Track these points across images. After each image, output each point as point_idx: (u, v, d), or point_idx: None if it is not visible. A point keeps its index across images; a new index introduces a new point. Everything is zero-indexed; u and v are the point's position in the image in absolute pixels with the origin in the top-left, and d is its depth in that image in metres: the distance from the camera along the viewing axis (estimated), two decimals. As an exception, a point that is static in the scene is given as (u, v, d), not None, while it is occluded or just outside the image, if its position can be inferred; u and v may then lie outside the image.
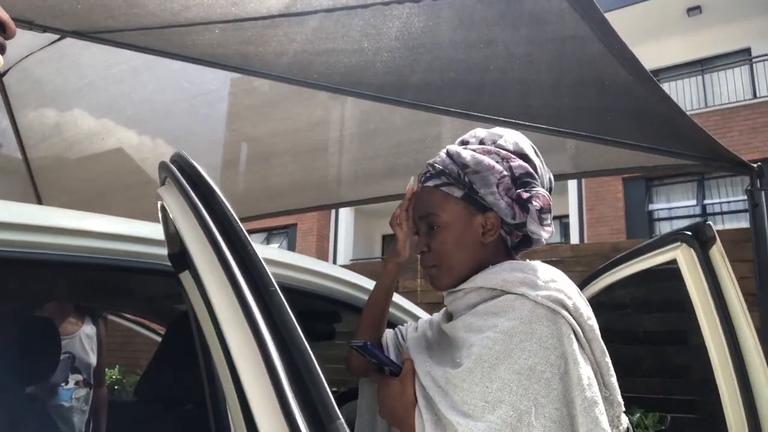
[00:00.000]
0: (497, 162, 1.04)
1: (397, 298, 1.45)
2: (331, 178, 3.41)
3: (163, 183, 0.84)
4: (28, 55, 2.33)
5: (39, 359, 1.57)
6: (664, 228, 10.35)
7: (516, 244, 1.10)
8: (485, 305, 0.97)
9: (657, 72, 11.01)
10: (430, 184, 1.09)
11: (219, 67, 2.20)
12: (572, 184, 10.87)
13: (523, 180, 1.04)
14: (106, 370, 4.90)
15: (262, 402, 0.55)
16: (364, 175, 3.30)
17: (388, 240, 14.72)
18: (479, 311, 0.98)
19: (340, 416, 0.56)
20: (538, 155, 1.11)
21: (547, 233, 1.04)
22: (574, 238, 10.86)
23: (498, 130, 1.12)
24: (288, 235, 14.40)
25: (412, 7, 1.43)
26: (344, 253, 13.82)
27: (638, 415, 3.28)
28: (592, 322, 0.95)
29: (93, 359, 2.48)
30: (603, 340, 0.96)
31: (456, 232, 1.05)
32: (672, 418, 3.14)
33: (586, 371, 0.88)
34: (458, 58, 1.80)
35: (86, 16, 1.87)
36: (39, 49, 2.26)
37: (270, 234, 14.83)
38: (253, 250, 0.59)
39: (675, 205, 10.52)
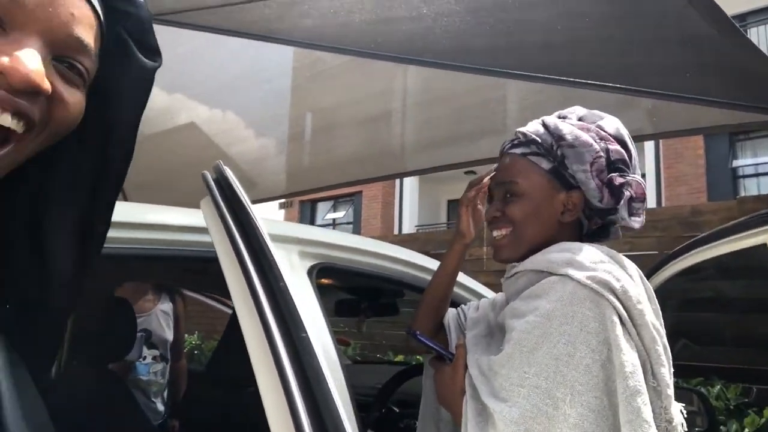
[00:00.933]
0: (595, 141, 0.99)
1: (460, 276, 1.44)
2: (394, 147, 3.39)
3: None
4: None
5: (118, 337, 1.66)
6: (749, 186, 9.68)
7: (593, 231, 1.05)
8: (530, 288, 0.94)
9: (744, 16, 10.13)
10: (516, 151, 1.05)
11: (279, 42, 2.20)
12: (649, 142, 10.31)
13: (617, 165, 0.99)
14: (186, 336, 5.20)
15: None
16: (427, 144, 3.26)
17: (453, 205, 14.60)
18: (524, 295, 0.95)
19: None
20: (634, 147, 1.05)
21: (637, 224, 0.99)
22: (651, 200, 10.35)
23: (599, 112, 1.07)
24: (353, 202, 14.57)
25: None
26: (409, 219, 13.85)
27: (719, 387, 3.13)
28: (643, 306, 0.88)
29: (169, 335, 2.60)
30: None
31: (534, 204, 1.01)
32: (758, 390, 2.97)
33: (629, 358, 0.82)
34: (523, 18, 1.71)
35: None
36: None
37: (336, 202, 15.07)
38: (284, 283, 0.57)
39: (763, 161, 9.78)
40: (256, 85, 2.88)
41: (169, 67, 2.61)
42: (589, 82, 1.93)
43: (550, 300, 0.87)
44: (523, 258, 1.02)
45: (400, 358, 5.00)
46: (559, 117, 1.07)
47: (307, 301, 1.04)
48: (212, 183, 0.66)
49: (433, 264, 1.43)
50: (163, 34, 2.18)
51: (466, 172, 4.57)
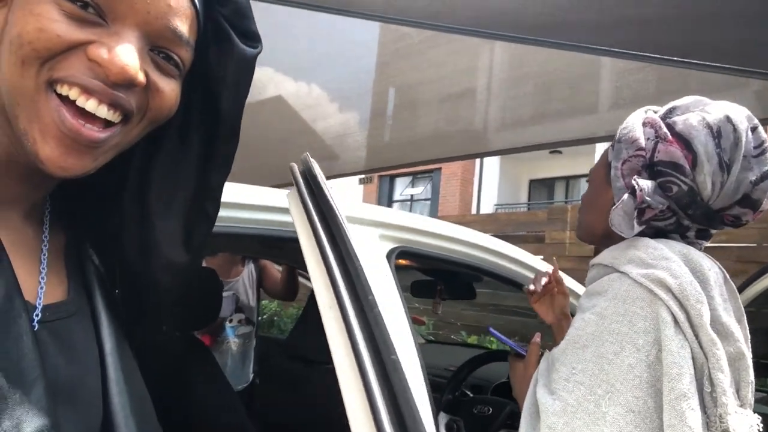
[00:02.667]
0: (646, 138, 0.91)
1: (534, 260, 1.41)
2: (477, 126, 3.32)
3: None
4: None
5: (204, 305, 1.75)
6: None
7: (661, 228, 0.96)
8: (594, 284, 0.92)
9: None
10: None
11: (365, 17, 2.18)
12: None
13: (659, 168, 0.89)
14: (266, 302, 5.41)
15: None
16: (511, 123, 3.16)
17: (535, 185, 14.20)
18: (588, 290, 0.93)
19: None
20: (716, 146, 0.88)
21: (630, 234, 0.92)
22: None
23: (704, 101, 0.93)
24: (432, 179, 14.51)
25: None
26: (489, 198, 13.63)
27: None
28: (702, 306, 0.82)
29: (254, 301, 2.71)
30: None
31: (593, 194, 1.02)
32: None
33: (678, 360, 0.78)
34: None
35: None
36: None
37: (414, 177, 15.06)
38: (372, 297, 0.56)
39: None
40: (342, 60, 2.89)
41: (265, 39, 2.68)
42: (688, 60, 1.79)
43: (607, 298, 0.86)
44: (597, 244, 1.03)
45: (473, 339, 4.98)
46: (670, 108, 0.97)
47: (385, 283, 1.04)
48: (299, 176, 0.67)
49: (513, 251, 1.40)
50: (256, 6, 2.22)
51: (551, 152, 4.41)
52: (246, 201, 1.03)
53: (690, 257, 0.88)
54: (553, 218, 4.56)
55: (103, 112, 0.47)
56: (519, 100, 3.00)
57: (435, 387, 1.95)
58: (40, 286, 0.51)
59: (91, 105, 0.46)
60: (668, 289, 0.82)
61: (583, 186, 1.10)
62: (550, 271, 1.18)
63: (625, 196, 0.90)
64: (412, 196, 15.46)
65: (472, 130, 3.38)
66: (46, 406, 0.44)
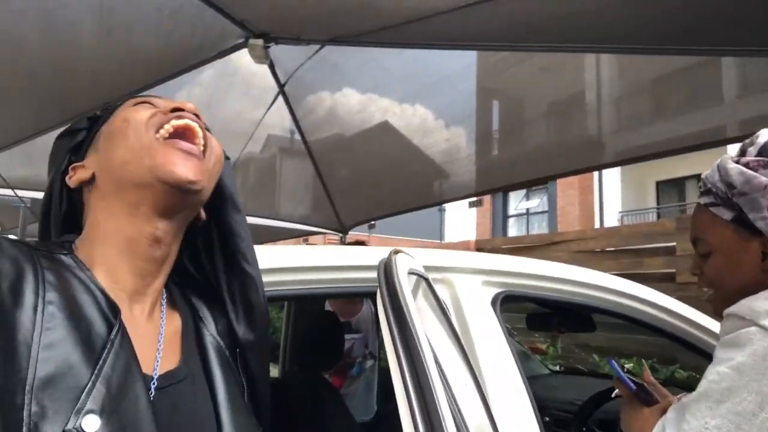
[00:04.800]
0: None
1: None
2: (591, 138, 3.18)
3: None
4: (298, 67, 2.66)
5: (328, 345, 1.84)
6: None
7: None
8: (729, 336, 0.86)
9: None
10: (702, 201, 0.97)
11: (462, 48, 2.20)
12: None
13: None
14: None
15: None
16: (626, 131, 2.99)
17: (663, 187, 13.19)
18: (724, 341, 0.87)
19: None
20: None
21: None
22: None
23: None
24: (547, 190, 14.01)
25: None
26: (612, 205, 12.88)
27: None
28: None
29: (374, 335, 2.77)
30: None
31: (728, 259, 0.93)
32: None
33: None
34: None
35: (338, 25, 2.05)
36: (306, 60, 2.57)
37: (529, 191, 14.64)
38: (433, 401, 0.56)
39: None
40: (444, 87, 2.93)
41: (360, 84, 2.79)
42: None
43: (745, 353, 0.81)
44: (734, 302, 0.92)
45: (605, 365, 4.67)
46: (741, 151, 0.92)
47: (490, 330, 1.03)
48: (382, 278, 0.70)
49: (627, 286, 1.32)
50: (352, 54, 2.33)
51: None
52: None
53: None
54: (683, 227, 4.15)
55: (186, 121, 0.70)
56: (632, 107, 2.85)
57: (561, 423, 1.87)
58: (156, 360, 0.65)
59: (181, 122, 0.71)
60: None
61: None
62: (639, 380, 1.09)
63: None
64: (527, 210, 15.03)
65: (585, 142, 3.23)
66: None
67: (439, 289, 0.99)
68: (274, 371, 2.43)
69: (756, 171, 0.86)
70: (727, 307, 0.91)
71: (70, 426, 0.50)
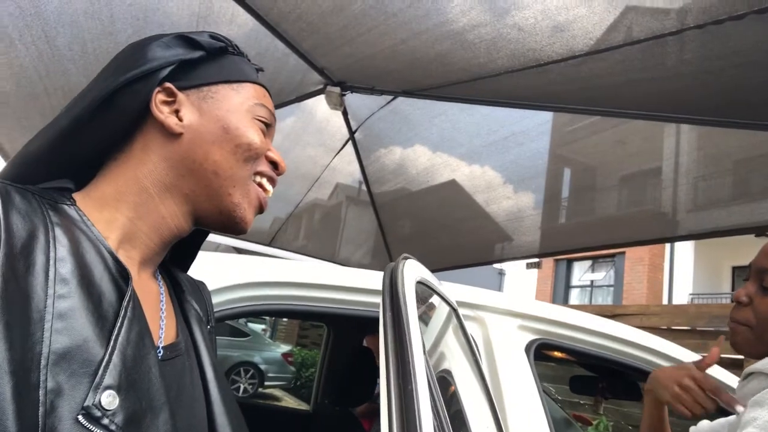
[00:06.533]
0: None
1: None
2: (664, 209, 3.09)
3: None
4: (370, 116, 2.78)
5: (361, 381, 1.84)
6: None
7: None
8: (757, 396, 0.79)
9: None
10: None
11: (528, 108, 2.25)
12: None
13: None
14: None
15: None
16: (703, 205, 2.90)
17: (738, 272, 12.46)
18: (752, 403, 0.80)
19: None
20: None
21: None
22: None
23: None
24: (615, 264, 13.53)
25: (737, 25, 1.23)
26: (682, 286, 12.25)
27: None
28: None
29: None
30: None
31: None
32: None
33: None
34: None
35: (411, 78, 2.14)
36: (379, 109, 2.68)
37: (595, 262, 14.17)
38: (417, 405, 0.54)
39: None
40: (514, 144, 2.96)
41: (429, 136, 2.88)
42: None
43: None
44: (761, 356, 0.86)
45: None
46: None
47: (522, 376, 1.01)
48: (387, 283, 0.69)
49: (675, 350, 1.27)
50: (423, 107, 2.43)
51: (756, 235, 3.90)
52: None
53: None
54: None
55: (271, 190, 0.71)
56: (709, 180, 2.77)
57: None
58: (161, 329, 0.63)
59: (269, 187, 0.71)
60: None
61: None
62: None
63: None
64: (592, 282, 14.51)
65: (657, 212, 3.15)
66: (171, 429, 0.53)
67: (470, 327, 0.98)
68: (307, 404, 2.44)
69: None
70: (756, 346, 0.87)
71: (89, 402, 0.46)
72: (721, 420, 1.03)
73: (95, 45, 1.91)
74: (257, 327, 11.84)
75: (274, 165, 0.70)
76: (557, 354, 1.42)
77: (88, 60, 1.96)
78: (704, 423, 1.04)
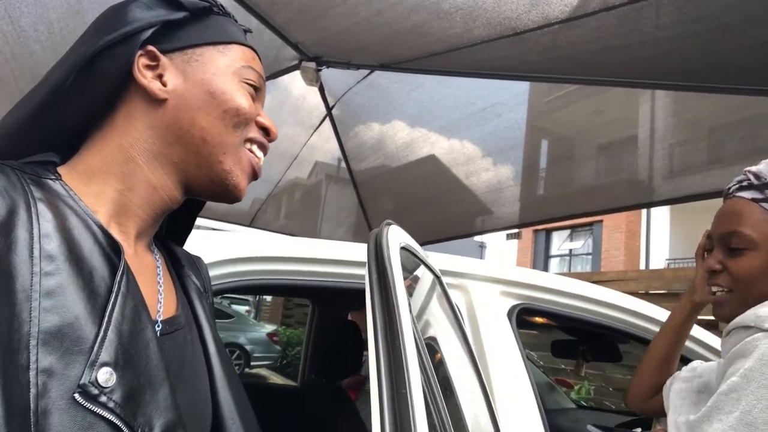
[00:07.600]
0: None
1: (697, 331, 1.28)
2: (639, 175, 3.14)
3: None
4: (347, 90, 2.76)
5: (348, 355, 1.86)
6: None
7: None
8: (736, 347, 0.82)
9: None
10: (745, 195, 0.92)
11: (505, 78, 2.24)
12: None
13: None
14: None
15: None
16: (677, 170, 2.95)
17: (714, 237, 12.73)
18: (731, 354, 0.83)
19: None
20: None
21: None
22: None
23: None
24: (593, 232, 13.74)
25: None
26: (659, 252, 12.50)
27: None
28: None
29: None
30: None
31: (765, 259, 0.88)
32: None
33: None
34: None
35: (388, 51, 2.12)
36: (355, 84, 2.66)
37: (573, 231, 14.38)
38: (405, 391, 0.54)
39: None
40: (492, 116, 2.96)
41: (407, 110, 2.87)
42: None
43: (752, 358, 0.78)
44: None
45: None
46: None
47: (505, 341, 1.03)
48: (371, 248, 0.69)
49: (655, 311, 1.30)
50: (401, 80, 2.41)
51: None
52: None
53: None
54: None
55: (262, 157, 0.69)
56: (683, 146, 2.82)
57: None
58: (159, 303, 0.61)
59: (260, 154, 0.69)
60: None
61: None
62: None
63: None
64: (570, 251, 14.73)
65: (633, 179, 3.20)
66: (171, 405, 0.52)
67: (454, 294, 1.00)
68: (294, 381, 2.47)
69: None
70: (741, 308, 0.88)
71: (84, 380, 0.45)
72: (704, 365, 1.07)
73: (62, 24, 1.85)
74: (241, 308, 11.84)
75: (265, 131, 0.68)
76: (539, 320, 1.45)
77: (55, 41, 1.90)
78: (696, 363, 1.08)
